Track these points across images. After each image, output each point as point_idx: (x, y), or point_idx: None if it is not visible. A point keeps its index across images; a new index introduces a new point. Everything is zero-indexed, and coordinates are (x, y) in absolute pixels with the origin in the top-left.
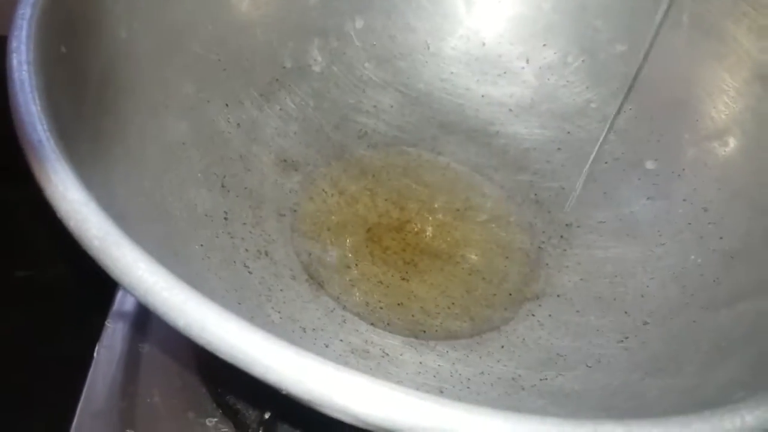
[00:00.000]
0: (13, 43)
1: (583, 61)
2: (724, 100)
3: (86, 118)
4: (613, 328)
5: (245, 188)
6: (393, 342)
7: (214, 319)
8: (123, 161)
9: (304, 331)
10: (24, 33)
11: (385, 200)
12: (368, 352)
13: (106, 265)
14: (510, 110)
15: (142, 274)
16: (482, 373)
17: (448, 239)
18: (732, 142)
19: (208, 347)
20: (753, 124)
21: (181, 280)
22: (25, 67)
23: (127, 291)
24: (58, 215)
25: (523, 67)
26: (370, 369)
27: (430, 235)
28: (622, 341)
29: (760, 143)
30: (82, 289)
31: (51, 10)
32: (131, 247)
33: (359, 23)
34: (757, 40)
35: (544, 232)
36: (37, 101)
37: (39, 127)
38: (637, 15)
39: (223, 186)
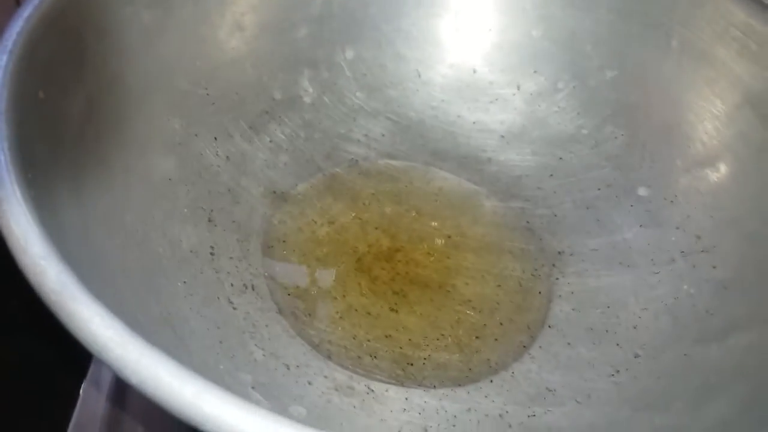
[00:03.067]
0: None
1: (573, 87)
2: (715, 126)
3: (64, 160)
4: (604, 361)
5: (233, 222)
6: (379, 377)
7: (167, 378)
8: (104, 200)
9: (288, 369)
10: None
11: (376, 229)
12: (353, 389)
13: (63, 319)
14: (501, 137)
15: (97, 329)
16: (469, 409)
17: (439, 268)
18: (723, 169)
19: (163, 406)
20: (744, 149)
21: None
22: None
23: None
24: (19, 267)
25: (513, 94)
26: (354, 407)
27: (421, 264)
28: (613, 375)
29: (751, 169)
30: None
31: (29, 56)
32: (87, 301)
33: (349, 53)
34: (748, 65)
35: (536, 259)
36: (6, 151)
37: (6, 179)
38: (626, 41)
39: (210, 220)
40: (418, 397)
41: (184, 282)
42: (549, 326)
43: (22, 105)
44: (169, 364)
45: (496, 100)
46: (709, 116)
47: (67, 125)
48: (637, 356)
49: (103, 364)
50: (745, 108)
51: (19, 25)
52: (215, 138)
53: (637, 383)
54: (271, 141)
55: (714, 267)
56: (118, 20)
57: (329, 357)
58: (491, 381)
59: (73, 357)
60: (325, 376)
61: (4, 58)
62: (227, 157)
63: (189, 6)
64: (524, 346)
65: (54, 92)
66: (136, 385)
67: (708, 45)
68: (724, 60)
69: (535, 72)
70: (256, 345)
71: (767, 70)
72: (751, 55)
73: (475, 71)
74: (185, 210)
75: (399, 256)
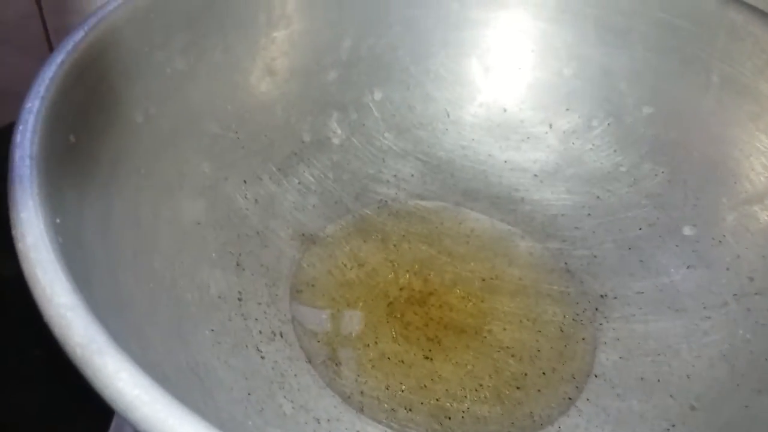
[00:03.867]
0: (18, 138)
1: (608, 124)
2: (762, 162)
3: (93, 204)
4: (657, 414)
5: (261, 265)
6: (415, 431)
7: None
8: (132, 245)
9: (318, 423)
10: (29, 127)
11: (407, 272)
12: None
13: (88, 375)
14: (535, 176)
15: (124, 387)
16: None
17: (474, 312)
18: None
19: None
20: None
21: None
22: (27, 162)
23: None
24: (44, 319)
25: (546, 132)
26: None
27: (455, 308)
28: (668, 429)
29: None
30: None
31: (60, 101)
32: (114, 355)
33: (378, 95)
34: None
35: (578, 303)
36: (36, 197)
37: (34, 225)
38: (663, 77)
39: (238, 264)
40: None
41: (212, 330)
42: (595, 376)
43: (53, 150)
44: (198, 424)
45: (528, 138)
46: (756, 152)
47: (96, 169)
48: (693, 408)
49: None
50: None
51: (51, 70)
52: (244, 181)
53: None
54: (299, 183)
55: None
56: (150, 66)
57: (361, 410)
58: None
59: (95, 409)
60: (358, 431)
61: (37, 103)
62: (256, 200)
63: (220, 52)
64: (570, 398)
65: (84, 137)
66: None
67: (750, 79)
68: None
69: (567, 110)
70: (285, 397)
71: None
72: None
73: (505, 110)
74: (213, 254)
75: (432, 300)
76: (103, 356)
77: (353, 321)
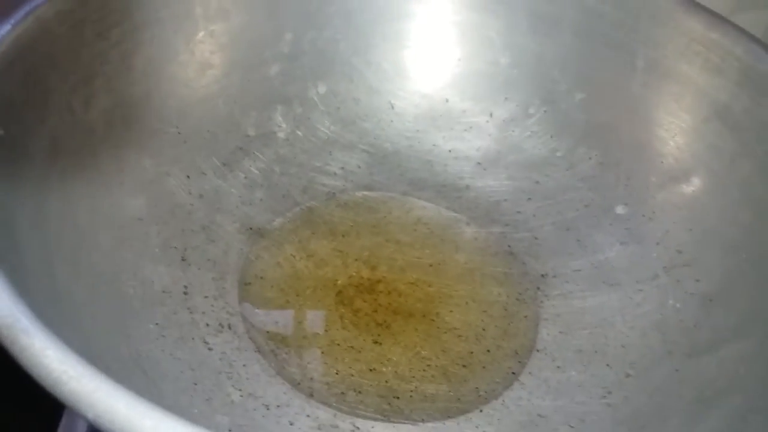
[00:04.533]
0: None
1: (545, 111)
2: (685, 140)
3: (27, 198)
4: (595, 383)
5: (208, 260)
6: (365, 413)
7: (125, 409)
8: (70, 240)
9: (267, 409)
10: None
11: (356, 260)
12: (337, 427)
13: (15, 354)
14: (478, 164)
15: (50, 363)
16: None
17: (422, 297)
18: (697, 181)
19: None
20: (716, 161)
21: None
22: None
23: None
24: None
25: (487, 121)
26: None
27: (403, 293)
28: (605, 396)
29: (725, 180)
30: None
31: None
32: (40, 334)
33: (322, 89)
34: (712, 78)
35: (520, 283)
36: None
37: None
38: (592, 63)
39: (183, 259)
40: None
41: (156, 324)
42: (537, 350)
43: None
44: (126, 396)
45: (471, 128)
46: (679, 131)
47: (29, 164)
48: (628, 375)
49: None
50: (713, 120)
51: None
52: (188, 176)
53: (630, 403)
54: (245, 177)
55: (698, 280)
56: (82, 61)
57: (311, 395)
58: (481, 411)
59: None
60: (308, 415)
61: None
62: (201, 194)
63: (156, 45)
64: (513, 373)
65: (16, 130)
66: (93, 420)
67: (672, 62)
68: (689, 75)
69: (506, 99)
70: (233, 386)
71: (732, 82)
72: (714, 68)
73: (447, 101)
74: (157, 250)
75: (381, 287)
76: (29, 335)
77: (303, 311)
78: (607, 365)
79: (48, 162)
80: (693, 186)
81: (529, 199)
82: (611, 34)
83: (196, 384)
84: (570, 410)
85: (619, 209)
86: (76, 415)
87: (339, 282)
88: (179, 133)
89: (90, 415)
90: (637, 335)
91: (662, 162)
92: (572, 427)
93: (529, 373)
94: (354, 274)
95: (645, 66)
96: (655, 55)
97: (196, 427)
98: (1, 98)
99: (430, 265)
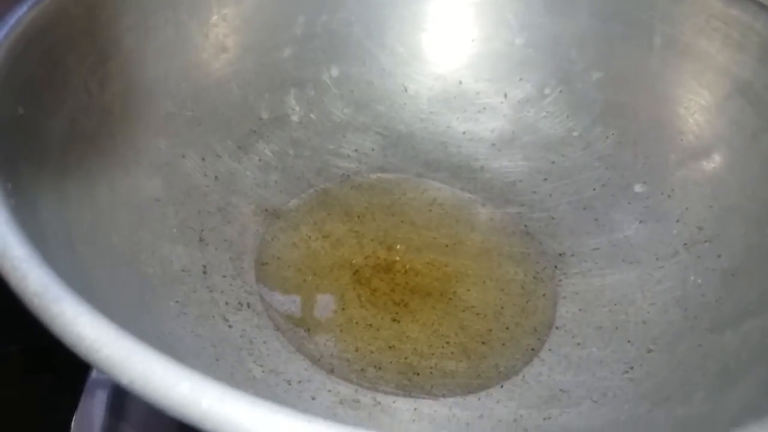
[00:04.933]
0: None
1: (560, 91)
2: (706, 117)
3: (47, 177)
4: (616, 359)
5: (225, 240)
6: (385, 388)
7: (160, 373)
8: (89, 220)
9: (289, 384)
10: None
11: (372, 241)
12: (358, 402)
13: (47, 323)
14: (492, 145)
15: (82, 331)
16: (482, 416)
17: (439, 276)
18: (718, 158)
19: (157, 406)
20: (738, 137)
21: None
22: None
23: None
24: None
25: (501, 103)
26: (361, 420)
27: (420, 273)
28: (627, 372)
29: (747, 156)
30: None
31: (7, 73)
32: (71, 302)
33: (335, 72)
34: (733, 54)
35: (537, 262)
36: None
37: None
38: (609, 42)
39: (201, 240)
40: (427, 406)
41: (177, 301)
42: (557, 328)
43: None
44: (161, 359)
45: (484, 109)
46: (699, 108)
47: (49, 144)
48: (650, 351)
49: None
50: (734, 97)
51: None
52: (203, 158)
53: (652, 377)
54: (260, 160)
55: (719, 256)
56: (98, 43)
57: (332, 371)
58: (501, 386)
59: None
60: (329, 391)
61: None
62: (216, 176)
63: (170, 29)
64: (533, 349)
65: (35, 110)
66: (127, 386)
67: (691, 39)
68: (709, 52)
69: (520, 79)
70: (254, 362)
71: (753, 58)
72: (735, 44)
73: (461, 82)
74: (174, 230)
75: (397, 267)
76: (60, 303)
77: (320, 290)
78: (628, 341)
79: (67, 143)
80: (713, 163)
81: (545, 179)
82: (628, 11)
83: (218, 360)
84: (592, 385)
85: (638, 187)
86: (94, 398)
87: (355, 262)
88: (194, 116)
89: (125, 380)
90: (657, 311)
91: (682, 139)
92: (595, 401)
93: (549, 349)
94: (370, 254)
95: (663, 43)
96: (673, 32)
97: (233, 389)
98: (20, 78)
99: (446, 245)
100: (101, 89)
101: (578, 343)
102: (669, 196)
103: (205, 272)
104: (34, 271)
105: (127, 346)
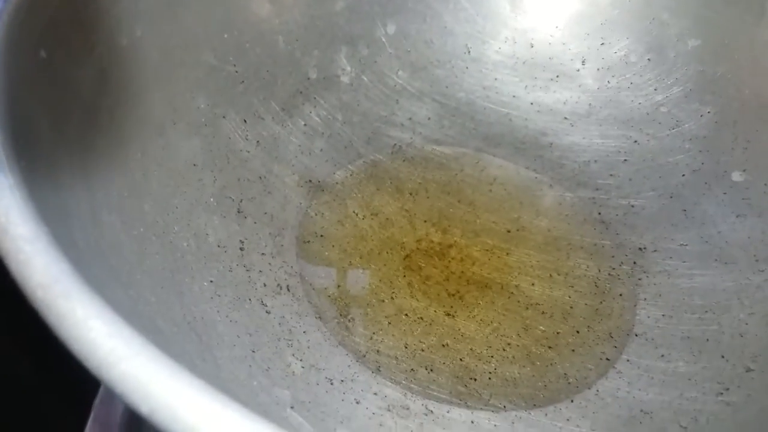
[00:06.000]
0: None
1: (649, 59)
2: None
3: (72, 136)
4: (708, 377)
5: (265, 213)
6: (438, 394)
7: (190, 402)
8: (118, 186)
9: (331, 383)
10: None
11: (425, 222)
12: (408, 409)
13: (52, 323)
14: (565, 118)
15: (96, 337)
16: None
17: (499, 266)
18: None
19: None
20: None
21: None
22: None
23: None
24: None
25: (578, 70)
26: (411, 431)
27: (478, 261)
28: (721, 393)
29: None
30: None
31: (29, 7)
32: (84, 298)
33: (391, 28)
34: None
35: (613, 257)
36: None
37: None
38: (710, 4)
39: (239, 212)
40: (486, 420)
41: (211, 281)
42: (636, 335)
43: (18, 62)
44: (195, 386)
45: (558, 77)
46: None
47: (75, 96)
48: (749, 370)
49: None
50: None
51: None
52: (245, 120)
53: (753, 403)
54: (305, 124)
55: None
56: None
57: (378, 369)
58: (572, 401)
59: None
60: (375, 393)
61: None
62: (257, 141)
63: None
64: (608, 359)
65: (60, 55)
66: (146, 415)
67: None
68: None
69: (602, 44)
70: (293, 355)
71: None
72: None
73: (532, 45)
74: (212, 199)
75: (453, 253)
76: (70, 299)
77: (367, 275)
78: (723, 357)
79: (95, 96)
80: None
81: (626, 160)
82: None
83: (254, 351)
84: (680, 407)
85: (736, 176)
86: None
87: (406, 245)
88: (237, 72)
89: (144, 409)
90: (757, 323)
91: None
92: (684, 427)
93: (627, 360)
94: (423, 236)
95: None
96: None
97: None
98: (44, 15)
99: (508, 231)
100: (136, 36)
101: (662, 355)
102: None
103: (242, 248)
104: (40, 256)
105: (153, 362)
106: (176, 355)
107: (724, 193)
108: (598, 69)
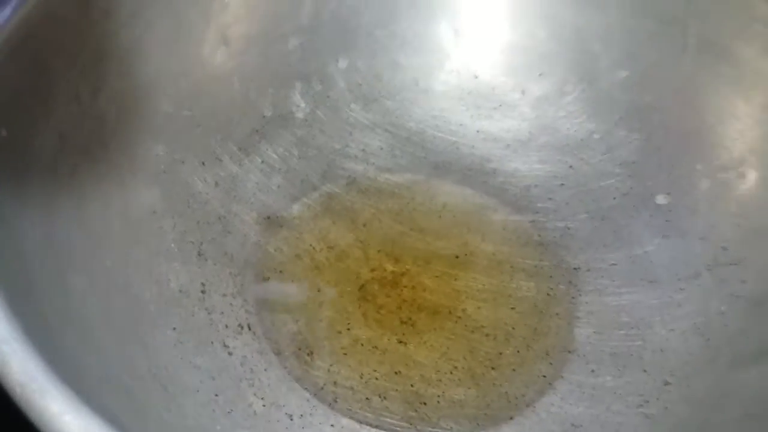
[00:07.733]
0: None
1: (582, 90)
2: (738, 128)
3: (34, 201)
4: (631, 390)
5: (225, 253)
6: (390, 420)
7: None
8: (81, 242)
9: (291, 419)
10: None
11: (378, 252)
12: None
13: (31, 417)
14: (507, 145)
15: (68, 429)
16: None
17: (448, 291)
18: (750, 174)
19: None
20: None
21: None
22: None
23: None
24: None
25: (518, 99)
26: None
27: (428, 288)
28: (641, 405)
29: None
30: None
31: None
32: (57, 395)
33: (343, 63)
34: None
35: (551, 277)
36: None
37: None
38: (639, 39)
39: (200, 254)
40: None
41: (174, 328)
42: (569, 352)
43: None
44: None
45: (500, 106)
46: (731, 118)
47: (36, 163)
48: (667, 383)
49: None
50: None
51: None
52: (203, 163)
53: (670, 415)
54: (262, 162)
55: (744, 281)
56: (90, 43)
57: (335, 401)
58: (511, 418)
59: None
60: (332, 425)
61: None
62: (216, 182)
63: (170, 20)
64: (544, 376)
65: (20, 129)
66: None
67: (729, 41)
68: (747, 57)
69: (540, 75)
70: (255, 395)
71: None
72: None
73: (476, 77)
74: (172, 245)
75: (405, 281)
76: (45, 396)
77: (324, 307)
78: (644, 371)
79: (56, 161)
80: (743, 178)
81: (562, 184)
82: (661, 6)
83: (217, 395)
84: (605, 420)
85: (660, 199)
86: None
87: (361, 275)
88: (193, 116)
89: None
90: (677, 339)
91: (711, 150)
92: None
93: (562, 376)
94: (377, 266)
95: (697, 44)
96: (710, 32)
97: None
98: (3, 94)
99: (456, 257)
100: (93, 95)
101: (592, 370)
102: (694, 210)
103: (203, 291)
104: (16, 356)
105: None
106: (144, 408)
107: (650, 216)
108: (536, 98)
